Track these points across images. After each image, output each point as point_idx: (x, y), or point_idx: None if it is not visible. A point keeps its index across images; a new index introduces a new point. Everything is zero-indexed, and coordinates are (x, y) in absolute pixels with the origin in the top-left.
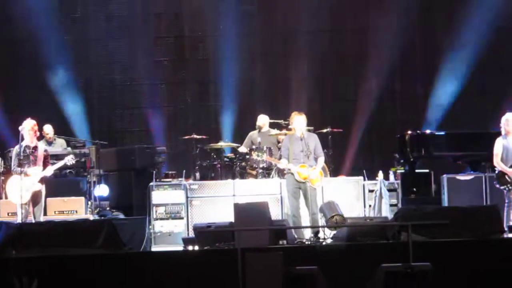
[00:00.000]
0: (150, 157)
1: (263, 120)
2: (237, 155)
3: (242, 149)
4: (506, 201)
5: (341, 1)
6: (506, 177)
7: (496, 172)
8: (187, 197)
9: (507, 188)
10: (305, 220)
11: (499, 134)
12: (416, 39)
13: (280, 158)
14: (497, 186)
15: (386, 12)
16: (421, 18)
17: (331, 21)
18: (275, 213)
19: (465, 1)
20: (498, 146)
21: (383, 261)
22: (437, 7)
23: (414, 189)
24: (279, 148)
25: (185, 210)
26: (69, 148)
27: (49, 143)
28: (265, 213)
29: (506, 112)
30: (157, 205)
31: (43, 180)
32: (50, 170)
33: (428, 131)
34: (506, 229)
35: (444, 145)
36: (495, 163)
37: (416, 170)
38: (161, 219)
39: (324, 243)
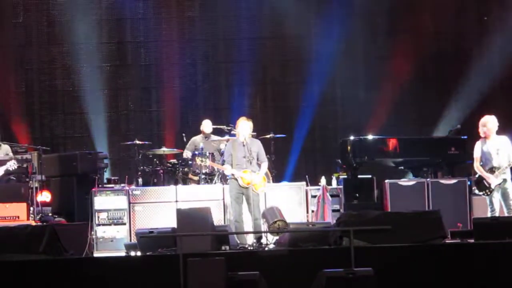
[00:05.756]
0: (92, 162)
1: (208, 125)
2: (180, 161)
3: (186, 153)
4: (490, 207)
5: (282, 8)
6: (484, 182)
7: (476, 176)
8: (129, 203)
9: (485, 194)
10: (248, 226)
11: (440, 139)
12: (358, 45)
13: (223, 164)
14: (476, 192)
15: (327, 19)
16: (363, 24)
17: (272, 28)
18: (218, 219)
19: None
20: (478, 150)
21: (325, 266)
22: (379, 12)
23: (357, 195)
24: (221, 154)
25: (127, 216)
26: (11, 154)
27: None
28: (207, 218)
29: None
30: (99, 211)
31: None
32: None
33: (370, 137)
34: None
35: (386, 150)
36: (475, 168)
37: (359, 176)
38: (103, 224)
39: (266, 249)
